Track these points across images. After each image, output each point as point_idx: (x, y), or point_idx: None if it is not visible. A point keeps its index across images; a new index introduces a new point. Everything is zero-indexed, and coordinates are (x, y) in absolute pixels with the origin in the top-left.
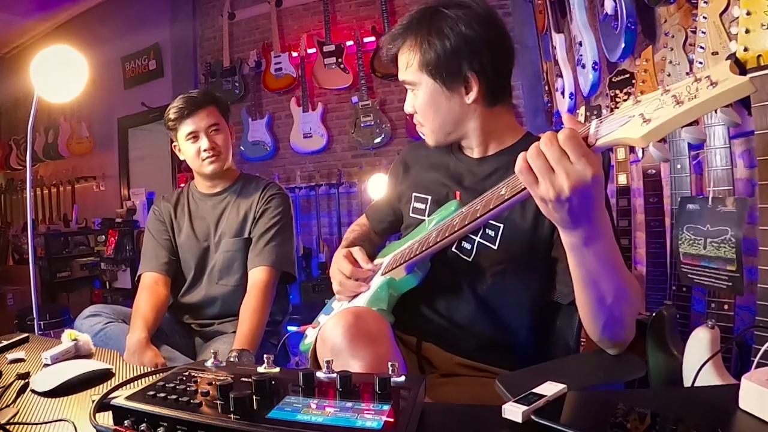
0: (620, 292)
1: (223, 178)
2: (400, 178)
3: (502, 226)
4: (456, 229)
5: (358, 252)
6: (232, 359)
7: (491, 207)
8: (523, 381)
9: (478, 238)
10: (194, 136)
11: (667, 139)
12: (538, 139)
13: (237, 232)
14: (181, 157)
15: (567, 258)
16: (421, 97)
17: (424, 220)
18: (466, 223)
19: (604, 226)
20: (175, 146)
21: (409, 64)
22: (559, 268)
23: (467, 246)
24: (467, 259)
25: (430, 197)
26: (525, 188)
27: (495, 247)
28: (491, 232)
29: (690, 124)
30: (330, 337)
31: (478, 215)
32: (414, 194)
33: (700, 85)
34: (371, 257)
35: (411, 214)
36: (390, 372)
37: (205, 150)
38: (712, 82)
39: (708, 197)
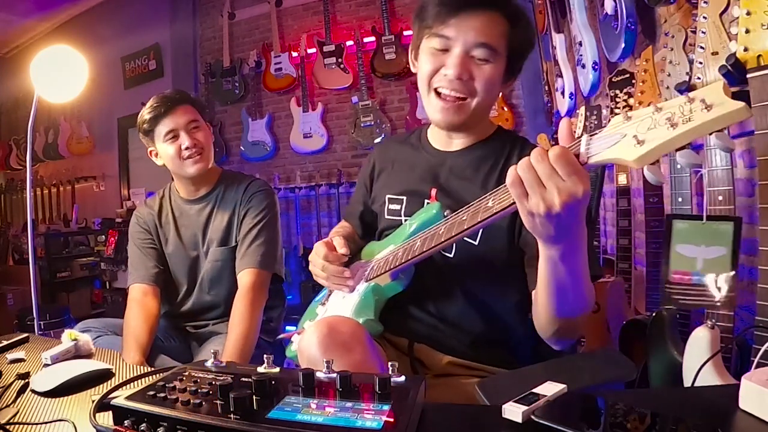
0: (580, 300)
1: (206, 181)
2: (372, 181)
3: None
4: (443, 240)
5: (337, 239)
6: None
7: (479, 219)
8: (502, 386)
9: None
10: (174, 135)
11: None
12: (510, 134)
13: (223, 241)
14: (159, 163)
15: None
16: (489, 71)
17: (401, 220)
18: (453, 234)
19: (582, 240)
20: (151, 152)
21: (496, 28)
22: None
23: None
24: (449, 256)
25: (405, 197)
26: (513, 203)
27: (476, 243)
28: None
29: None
30: (305, 348)
31: (465, 227)
32: (388, 196)
33: (694, 106)
34: (354, 257)
35: (387, 216)
36: (390, 372)
37: (186, 148)
38: (707, 105)
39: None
